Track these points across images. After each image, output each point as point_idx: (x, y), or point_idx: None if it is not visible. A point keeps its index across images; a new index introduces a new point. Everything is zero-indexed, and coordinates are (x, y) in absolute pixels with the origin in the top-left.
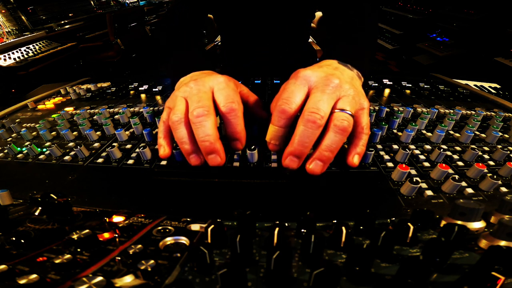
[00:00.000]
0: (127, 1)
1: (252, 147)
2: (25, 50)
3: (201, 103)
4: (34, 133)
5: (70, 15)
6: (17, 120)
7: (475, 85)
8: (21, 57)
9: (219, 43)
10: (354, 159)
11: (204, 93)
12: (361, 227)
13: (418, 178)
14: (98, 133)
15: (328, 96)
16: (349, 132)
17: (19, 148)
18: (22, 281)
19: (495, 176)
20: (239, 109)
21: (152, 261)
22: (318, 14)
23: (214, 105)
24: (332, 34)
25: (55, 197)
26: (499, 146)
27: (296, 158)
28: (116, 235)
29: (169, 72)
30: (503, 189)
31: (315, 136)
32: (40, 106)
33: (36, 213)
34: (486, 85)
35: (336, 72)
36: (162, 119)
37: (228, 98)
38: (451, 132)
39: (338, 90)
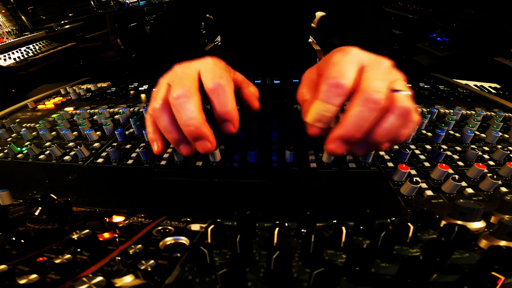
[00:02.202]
0: (127, 1)
1: (252, 148)
2: (25, 50)
3: (181, 86)
4: (34, 133)
5: (70, 15)
6: (17, 120)
7: (475, 85)
8: (21, 57)
9: (219, 43)
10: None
11: (188, 75)
12: (361, 227)
13: (418, 178)
14: (98, 133)
15: (386, 77)
16: None
17: (19, 148)
18: (22, 281)
19: (495, 176)
20: (227, 84)
21: (152, 261)
22: (318, 14)
23: (202, 89)
24: (338, 32)
25: (55, 197)
26: (499, 146)
27: (345, 144)
28: (116, 235)
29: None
30: (503, 189)
31: (374, 119)
32: (40, 106)
33: (36, 213)
34: (486, 85)
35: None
36: (148, 112)
37: (215, 74)
38: (451, 132)
39: (391, 72)
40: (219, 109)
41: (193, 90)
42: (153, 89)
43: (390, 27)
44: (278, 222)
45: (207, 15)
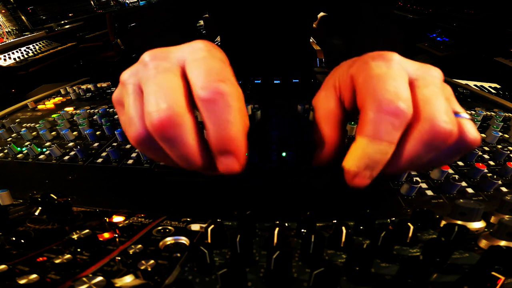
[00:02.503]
0: (127, 1)
1: (252, 148)
2: (25, 50)
3: (162, 99)
4: (34, 133)
5: (70, 15)
6: (17, 120)
7: (475, 85)
8: (21, 57)
9: (219, 43)
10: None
11: (167, 73)
12: (361, 227)
13: (418, 178)
14: (98, 133)
15: (443, 94)
16: None
17: (19, 148)
18: (22, 281)
19: (495, 176)
20: (233, 92)
21: (152, 261)
22: (319, 14)
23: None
24: (345, 34)
25: (55, 197)
26: (499, 146)
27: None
28: (116, 235)
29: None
30: (503, 189)
31: (432, 157)
32: (40, 106)
33: (36, 213)
34: (486, 85)
35: None
36: (130, 142)
37: (210, 73)
38: None
39: (445, 87)
40: (216, 134)
41: (182, 109)
42: (114, 92)
43: (392, 28)
44: (278, 222)
45: (205, 15)
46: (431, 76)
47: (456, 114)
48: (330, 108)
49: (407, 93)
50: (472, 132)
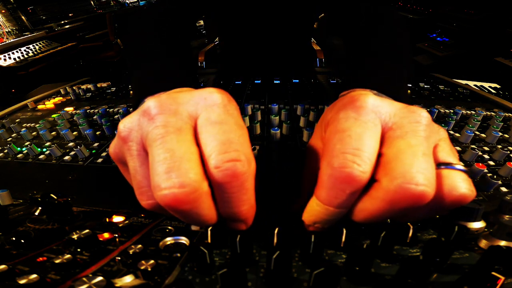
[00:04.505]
0: (127, 1)
1: (252, 147)
2: (25, 50)
3: (175, 172)
4: (34, 133)
5: (70, 15)
6: (17, 120)
7: (475, 85)
8: (21, 57)
9: (219, 43)
10: None
11: (178, 136)
12: (361, 227)
13: None
14: (98, 133)
15: (427, 144)
16: None
17: (19, 148)
18: (22, 281)
19: (495, 176)
20: (247, 172)
21: (152, 261)
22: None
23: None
24: (346, 46)
25: (55, 197)
26: (499, 146)
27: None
28: (116, 235)
29: (133, 89)
30: (503, 189)
31: (403, 216)
32: (40, 106)
33: (36, 213)
34: (486, 85)
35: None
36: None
37: (226, 148)
38: (451, 132)
39: (432, 131)
40: (227, 210)
41: (196, 181)
42: (111, 145)
43: (393, 29)
44: (278, 222)
45: (204, 16)
46: (410, 123)
47: (445, 165)
48: (317, 157)
49: (369, 152)
50: (461, 187)
